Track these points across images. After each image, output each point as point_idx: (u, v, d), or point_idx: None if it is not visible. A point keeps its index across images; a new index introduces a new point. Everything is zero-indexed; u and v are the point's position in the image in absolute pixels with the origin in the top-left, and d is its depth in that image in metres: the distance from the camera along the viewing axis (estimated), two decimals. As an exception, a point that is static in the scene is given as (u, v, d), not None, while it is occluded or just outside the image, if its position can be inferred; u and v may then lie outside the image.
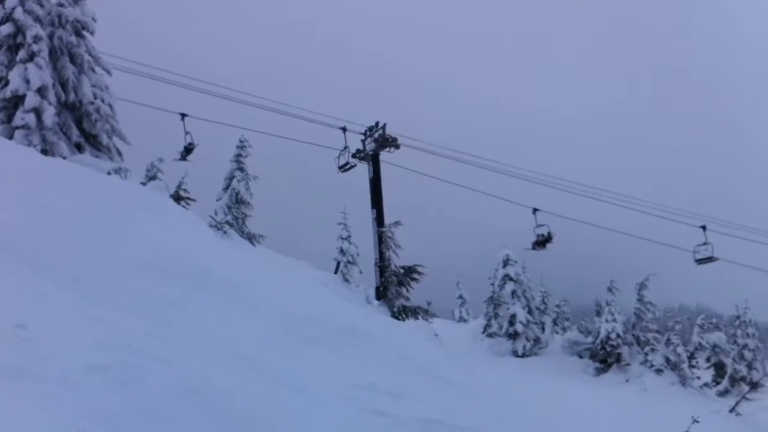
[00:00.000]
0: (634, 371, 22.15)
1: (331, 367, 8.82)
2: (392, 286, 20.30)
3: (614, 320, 23.24)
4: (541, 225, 21.16)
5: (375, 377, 8.96)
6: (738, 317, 25.61)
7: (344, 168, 22.38)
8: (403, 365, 10.66)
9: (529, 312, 24.89)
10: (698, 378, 24.19)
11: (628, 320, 24.03)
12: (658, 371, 21.89)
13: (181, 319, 7.95)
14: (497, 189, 23.12)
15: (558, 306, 34.11)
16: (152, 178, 19.74)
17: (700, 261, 23.03)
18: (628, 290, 24.76)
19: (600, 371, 22.66)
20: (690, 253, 22.48)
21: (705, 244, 22.85)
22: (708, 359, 26.50)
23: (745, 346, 24.54)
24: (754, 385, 21.56)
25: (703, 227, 22.39)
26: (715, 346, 25.79)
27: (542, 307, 28.67)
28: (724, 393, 22.89)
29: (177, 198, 19.72)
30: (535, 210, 21.18)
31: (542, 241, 21.20)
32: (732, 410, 19.21)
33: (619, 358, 22.67)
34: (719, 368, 25.13)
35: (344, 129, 22.29)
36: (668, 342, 23.02)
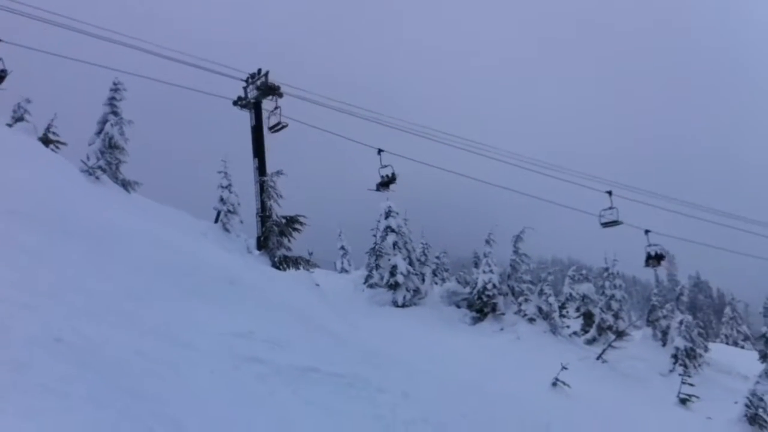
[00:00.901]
0: (508, 320, 23.19)
1: (209, 316, 8.77)
2: (273, 236, 20.23)
3: (491, 271, 24.15)
4: (386, 166, 21.30)
5: (254, 326, 8.99)
6: (606, 269, 27.01)
7: (274, 129, 22.08)
8: (282, 314, 10.74)
9: (410, 263, 25.42)
10: (568, 327, 25.50)
11: (504, 271, 25.02)
12: (531, 320, 23.01)
13: (48, 268, 7.68)
14: (378, 141, 23.32)
15: (438, 257, 34.96)
16: (19, 119, 18.73)
17: (605, 224, 24.36)
18: (505, 243, 25.74)
19: (476, 320, 23.58)
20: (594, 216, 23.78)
21: (610, 208, 24.20)
22: (578, 309, 27.93)
23: (612, 296, 25.99)
24: (620, 334, 22.93)
25: (609, 192, 23.68)
26: (584, 296, 27.22)
27: (423, 259, 29.32)
28: (591, 341, 24.27)
29: (46, 141, 18.80)
30: (380, 151, 21.27)
31: (386, 182, 21.39)
32: (599, 357, 20.44)
33: (494, 308, 23.66)
34: (588, 317, 26.56)
35: (279, 92, 22.01)
36: (541, 292, 24.16)
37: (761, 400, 15.44)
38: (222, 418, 6.25)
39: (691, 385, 17.31)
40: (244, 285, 11.20)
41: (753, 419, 15.23)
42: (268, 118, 21.79)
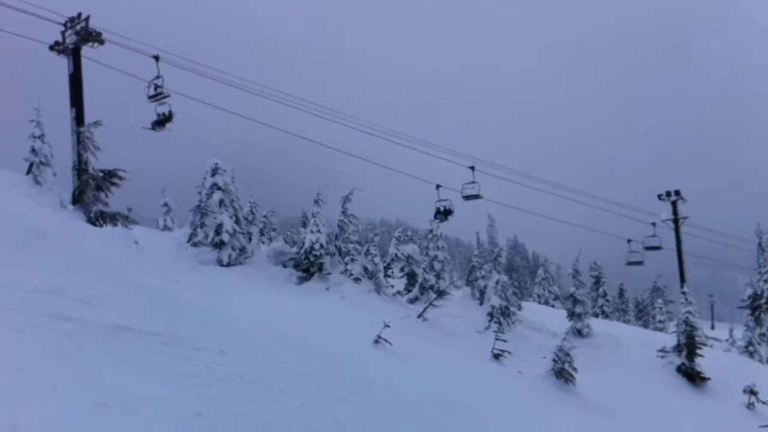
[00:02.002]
0: (334, 280, 23.50)
1: (13, 271, 8.24)
2: (89, 191, 19.24)
3: (319, 231, 24.29)
4: (163, 103, 20.88)
5: (64, 282, 8.55)
6: (431, 231, 27.92)
7: (155, 98, 20.74)
8: (96, 271, 10.28)
9: (237, 222, 25.07)
10: (392, 286, 26.27)
11: (332, 232, 25.25)
12: (357, 280, 23.46)
13: None
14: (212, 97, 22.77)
15: (266, 217, 34.75)
16: None
17: (467, 197, 25.41)
18: (334, 203, 25.93)
19: (303, 280, 23.71)
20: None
21: (472, 182, 25.27)
22: (402, 269, 28.77)
23: (435, 257, 26.95)
24: (441, 293, 23.86)
25: (472, 167, 24.78)
26: (409, 257, 28.03)
27: (250, 218, 28.97)
28: (414, 300, 25.11)
29: None
30: (156, 87, 20.74)
31: (161, 121, 20.99)
32: (420, 316, 21.16)
33: (321, 268, 23.88)
34: (411, 277, 27.43)
35: (157, 57, 20.60)
36: (367, 253, 24.67)
37: (567, 355, 16.57)
38: (27, 377, 5.92)
39: (505, 341, 18.36)
40: (55, 239, 10.60)
41: (559, 373, 16.36)
42: (148, 87, 20.79)
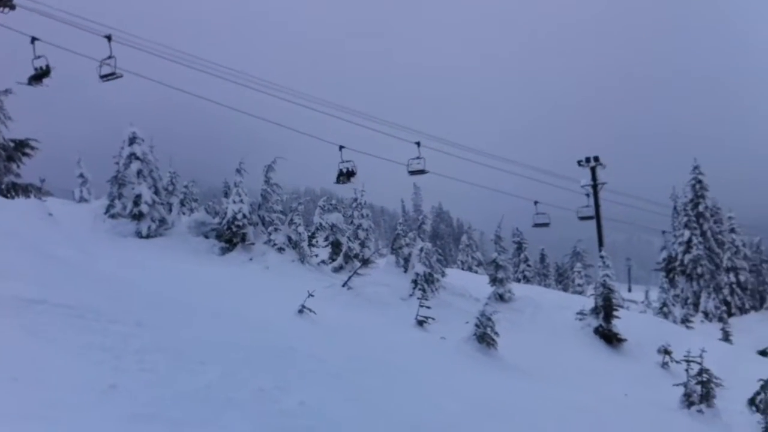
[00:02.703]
0: (258, 250, 23.35)
1: None
2: (0, 161, 18.59)
3: (241, 201, 24.03)
4: (40, 56, 20.27)
5: (-30, 256, 8.27)
6: (356, 200, 27.95)
7: (107, 77, 19.81)
8: (7, 243, 9.98)
9: (156, 192, 24.57)
10: (317, 255, 26.25)
11: (255, 201, 25.02)
12: (281, 250, 23.37)
13: None
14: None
15: (186, 187, 34.18)
16: None
17: (412, 173, 25.55)
18: (256, 173, 25.65)
19: (225, 251, 23.47)
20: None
21: (418, 158, 25.39)
22: (327, 238, 28.71)
23: (359, 226, 27.03)
24: (365, 262, 24.00)
25: (418, 143, 24.93)
26: (333, 226, 27.96)
27: (170, 188, 28.44)
28: (339, 269, 25.16)
29: None
30: (33, 39, 20.11)
31: (38, 75, 20.44)
32: (344, 284, 21.25)
33: (244, 238, 23.67)
34: (336, 246, 27.41)
35: (109, 37, 19.65)
36: (291, 222, 24.57)
37: (489, 320, 16.90)
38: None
39: (428, 307, 18.62)
40: (-40, 212, 10.20)
41: (482, 337, 16.70)
42: (100, 66, 19.93)
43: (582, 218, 43.81)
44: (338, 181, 25.85)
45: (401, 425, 8.75)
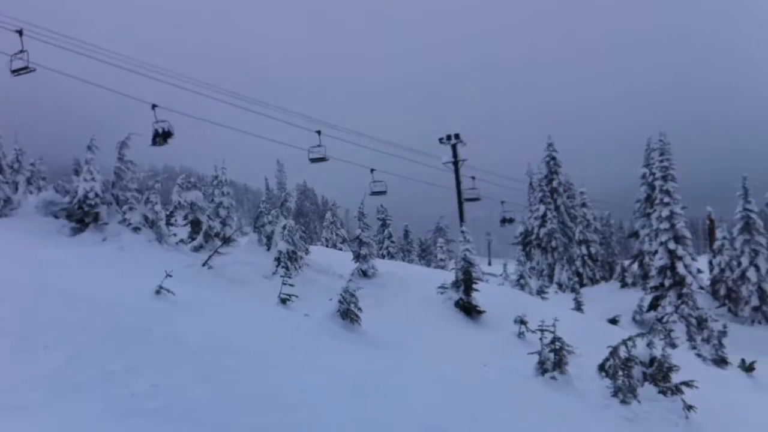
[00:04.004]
0: (112, 230, 22.36)
1: None
2: None
3: (93, 179, 22.92)
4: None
5: None
6: (216, 177, 27.35)
7: (18, 72, 17.92)
8: None
9: (0, 171, 23.16)
10: (175, 235, 25.52)
11: (108, 180, 23.93)
12: (136, 229, 22.49)
13: None
14: None
15: (33, 165, 32.44)
16: None
17: (313, 160, 24.98)
18: (110, 149, 24.53)
19: (77, 231, 22.33)
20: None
21: (318, 146, 24.87)
22: (186, 217, 27.99)
23: (220, 204, 26.49)
24: (227, 240, 23.51)
25: (318, 132, 24.68)
26: (192, 204, 27.25)
27: (16, 166, 26.89)
28: (199, 248, 24.56)
29: None
30: None
31: None
32: (205, 264, 20.75)
33: (96, 218, 22.59)
34: (196, 225, 26.74)
35: (20, 32, 17.75)
36: (147, 201, 23.69)
37: (353, 296, 16.98)
38: None
39: (292, 285, 18.51)
40: None
41: (345, 313, 16.76)
42: (11, 61, 18.26)
43: (468, 199, 45.21)
44: (154, 143, 24.98)
45: (261, 403, 8.64)
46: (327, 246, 45.57)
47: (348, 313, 16.79)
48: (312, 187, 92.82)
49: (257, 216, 25.37)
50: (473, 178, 47.68)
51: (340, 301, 16.90)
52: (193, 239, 25.78)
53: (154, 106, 23.43)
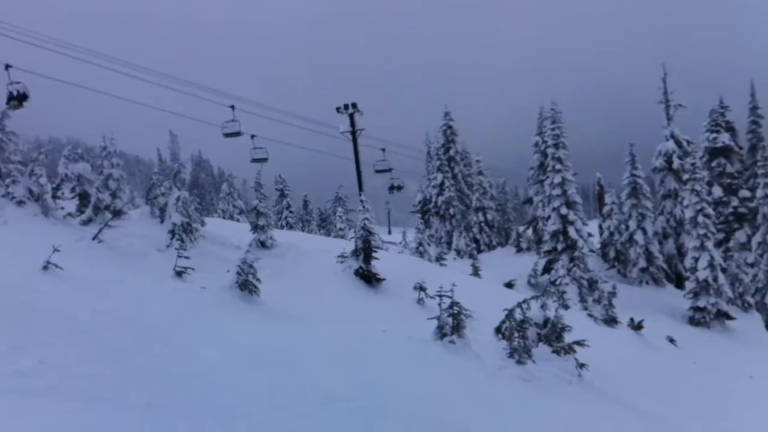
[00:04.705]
0: (-5, 204, 21.32)
1: None
2: None
3: (-29, 151, 21.75)
4: None
5: None
6: (105, 148, 26.36)
7: None
8: None
9: None
10: (63, 208, 24.46)
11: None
12: (20, 203, 21.43)
13: None
14: None
15: None
16: None
17: (227, 135, 24.31)
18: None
19: (-46, 207, 21.21)
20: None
21: (232, 120, 24.18)
22: (73, 189, 26.89)
23: (110, 176, 25.53)
24: (117, 213, 22.75)
25: (232, 106, 24.38)
26: (80, 176, 26.17)
27: None
28: (88, 222, 23.62)
29: None
30: None
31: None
32: (95, 237, 20.07)
33: (-24, 192, 21.50)
34: (84, 198, 25.69)
35: None
36: (32, 173, 22.63)
37: (251, 267, 16.83)
38: None
39: (187, 257, 18.16)
40: None
41: (243, 285, 16.60)
42: None
43: (379, 171, 45.54)
44: (9, 106, 24.02)
45: (156, 378, 8.47)
46: (224, 218, 44.80)
47: (246, 284, 16.64)
48: (207, 158, 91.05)
49: (149, 188, 24.69)
50: (383, 150, 48.09)
51: (238, 273, 16.73)
52: (82, 213, 24.79)
53: (7, 67, 22.20)
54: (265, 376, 9.88)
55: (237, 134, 26.71)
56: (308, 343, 12.96)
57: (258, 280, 16.68)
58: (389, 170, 48.50)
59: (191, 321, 12.60)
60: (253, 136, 34.66)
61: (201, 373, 9.18)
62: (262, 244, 24.00)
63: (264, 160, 36.49)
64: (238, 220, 42.00)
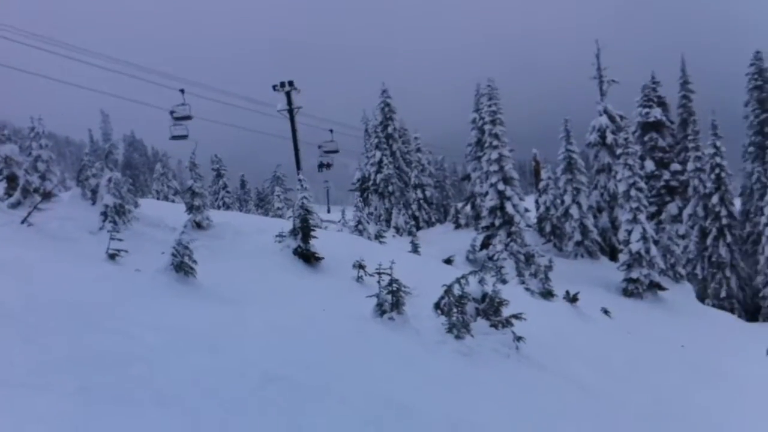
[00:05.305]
0: None
1: None
2: None
3: None
4: None
5: None
6: (33, 129, 25.62)
7: None
8: None
9: None
10: (-11, 192, 23.76)
11: None
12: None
13: None
14: None
15: None
16: None
17: (178, 119, 23.91)
18: None
19: None
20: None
21: (183, 104, 23.76)
22: (0, 172, 26.10)
23: (38, 157, 24.82)
24: (47, 195, 22.18)
25: (182, 90, 24.34)
26: (7, 158, 25.37)
27: None
28: (16, 205, 22.90)
29: None
30: None
31: None
32: (24, 221, 19.54)
33: None
34: (12, 180, 24.94)
35: None
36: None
37: (186, 248, 16.56)
38: None
39: (121, 240, 17.81)
40: None
41: (179, 266, 16.34)
42: None
43: (327, 152, 45.58)
44: None
45: (90, 363, 8.30)
46: (158, 198, 44.13)
47: (182, 266, 16.40)
48: (141, 138, 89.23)
49: (80, 169, 24.10)
50: (331, 131, 47.98)
51: (173, 254, 16.46)
52: (10, 195, 24.05)
53: None
54: (203, 359, 9.78)
55: (188, 118, 26.24)
56: (247, 324, 12.86)
57: (194, 261, 16.45)
58: (336, 151, 48.45)
59: (125, 304, 12.37)
60: (172, 112, 33.64)
61: (138, 356, 9.03)
62: (198, 225, 23.71)
63: (184, 137, 35.51)
64: (173, 201, 41.40)
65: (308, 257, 21.95)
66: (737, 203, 54.56)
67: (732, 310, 46.90)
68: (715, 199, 49.42)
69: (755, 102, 56.51)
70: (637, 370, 19.57)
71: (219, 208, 45.77)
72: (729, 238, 49.35)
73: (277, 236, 22.59)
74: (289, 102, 45.27)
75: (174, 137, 35.92)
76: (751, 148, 55.83)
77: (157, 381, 8.33)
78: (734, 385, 20.57)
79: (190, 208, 24.19)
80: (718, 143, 49.82)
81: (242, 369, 9.61)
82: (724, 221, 49.28)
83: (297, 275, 20.68)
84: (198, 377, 8.83)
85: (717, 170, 49.44)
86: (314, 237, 22.28)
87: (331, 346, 12.68)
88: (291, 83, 44.92)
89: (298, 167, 45.11)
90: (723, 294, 48.68)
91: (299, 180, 25.54)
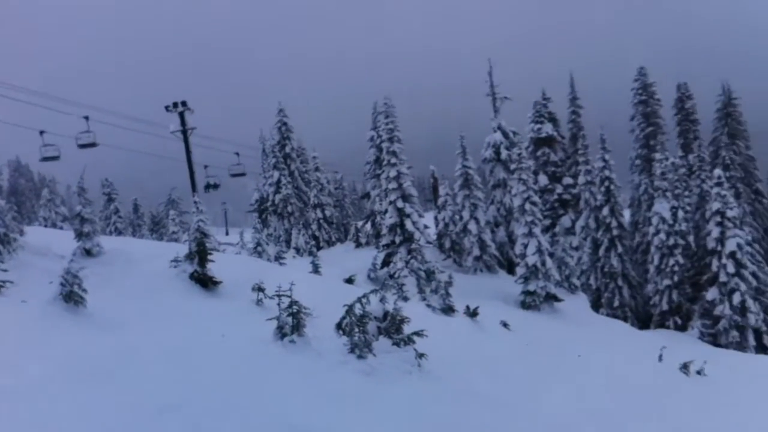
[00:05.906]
0: None
1: None
2: None
3: None
4: None
5: None
6: None
7: None
8: None
9: None
10: None
11: None
12: None
13: None
14: None
15: None
16: None
17: (82, 146, 23.45)
18: None
19: None
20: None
21: (87, 132, 23.44)
22: None
23: None
24: None
25: (86, 117, 24.24)
26: None
27: None
28: None
29: None
30: None
31: None
32: None
33: None
34: None
35: None
36: None
37: (76, 277, 16.01)
38: None
39: (5, 270, 17.05)
40: None
41: (69, 296, 15.77)
42: None
43: (234, 175, 45.06)
44: None
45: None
46: (46, 226, 42.41)
47: (72, 295, 15.83)
48: (26, 163, 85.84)
49: (-41, 197, 22.93)
50: (237, 153, 47.50)
51: (62, 284, 15.88)
52: None
53: None
54: (93, 390, 9.45)
55: (93, 145, 25.48)
56: (141, 352, 12.52)
57: (84, 290, 15.91)
58: (244, 174, 47.99)
59: (11, 336, 11.84)
60: (42, 132, 32.23)
61: (19, 391, 8.64)
62: (88, 253, 22.90)
63: (56, 158, 34.12)
64: (62, 228, 39.90)
65: (205, 282, 21.53)
66: (626, 214, 56.90)
67: (625, 319, 48.64)
68: (605, 210, 51.29)
69: (640, 116, 59.35)
70: (533, 379, 20.04)
71: (111, 233, 44.50)
72: (620, 249, 51.27)
73: (172, 261, 22.07)
74: (183, 123, 44.46)
75: (44, 159, 34.36)
76: (637, 161, 58.53)
77: (39, 416, 7.99)
78: (631, 390, 21.36)
79: (80, 235, 23.35)
80: (606, 157, 51.76)
81: (136, 399, 9.34)
82: (615, 232, 51.18)
83: (194, 300, 20.24)
84: (86, 410, 8.52)
85: (606, 183, 51.34)
86: (211, 260, 21.88)
87: (230, 371, 12.47)
88: (184, 103, 44.13)
89: (194, 189, 44.33)
90: (616, 303, 50.48)
91: (195, 202, 25.05)
